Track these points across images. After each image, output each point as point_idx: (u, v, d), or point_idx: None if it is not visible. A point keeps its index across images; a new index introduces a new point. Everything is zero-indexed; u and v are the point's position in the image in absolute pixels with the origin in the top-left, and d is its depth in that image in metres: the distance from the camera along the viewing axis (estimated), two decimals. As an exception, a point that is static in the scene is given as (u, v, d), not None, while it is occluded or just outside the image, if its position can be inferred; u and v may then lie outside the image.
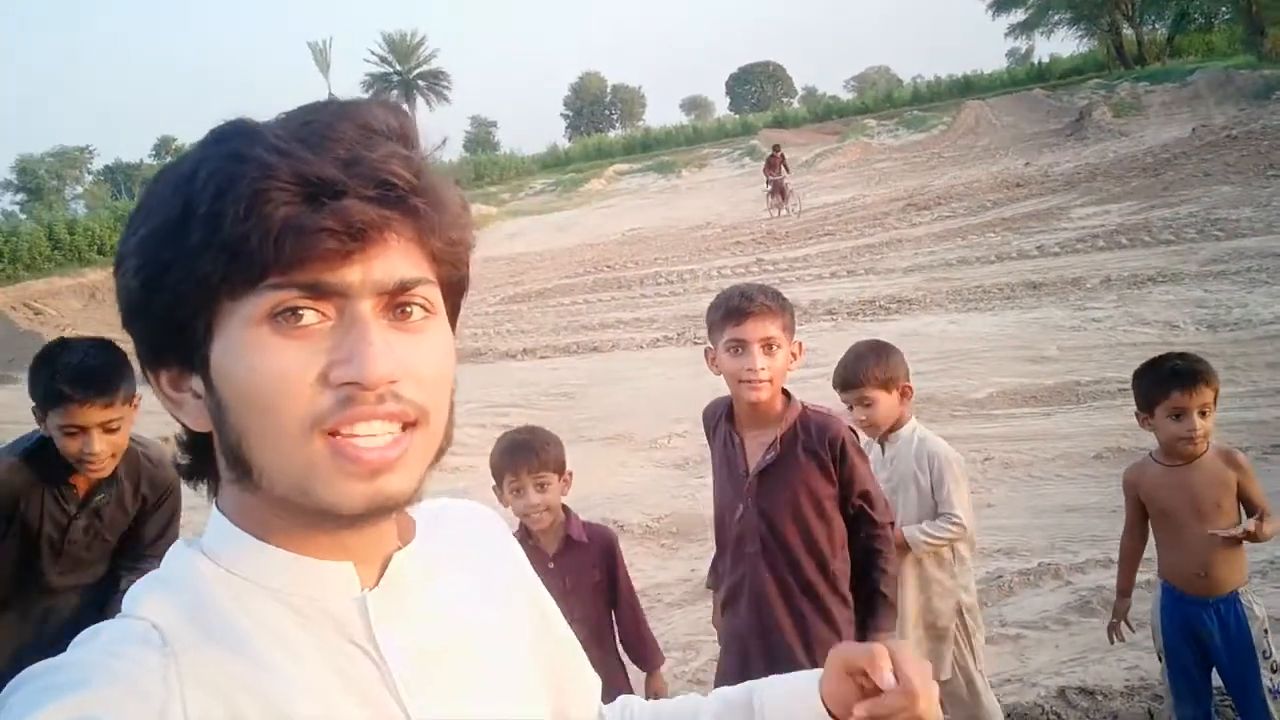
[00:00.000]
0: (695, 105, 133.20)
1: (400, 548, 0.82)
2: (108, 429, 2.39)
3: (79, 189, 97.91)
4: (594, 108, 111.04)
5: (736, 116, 77.82)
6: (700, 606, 4.63)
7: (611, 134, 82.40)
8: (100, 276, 29.62)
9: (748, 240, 19.15)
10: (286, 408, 0.69)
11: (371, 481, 0.70)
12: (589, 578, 2.78)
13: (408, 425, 0.72)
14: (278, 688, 0.70)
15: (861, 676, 0.91)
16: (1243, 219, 12.44)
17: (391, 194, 0.69)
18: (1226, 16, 44.95)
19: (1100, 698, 3.51)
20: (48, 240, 32.31)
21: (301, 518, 0.73)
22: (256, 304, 0.68)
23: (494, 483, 2.80)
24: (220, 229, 0.66)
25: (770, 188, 24.03)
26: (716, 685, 2.72)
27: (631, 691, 2.71)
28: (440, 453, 0.77)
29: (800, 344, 2.62)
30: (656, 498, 6.45)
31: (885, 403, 3.09)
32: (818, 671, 0.98)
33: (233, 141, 0.69)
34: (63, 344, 2.49)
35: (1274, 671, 2.86)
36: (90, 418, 2.38)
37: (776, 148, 26.22)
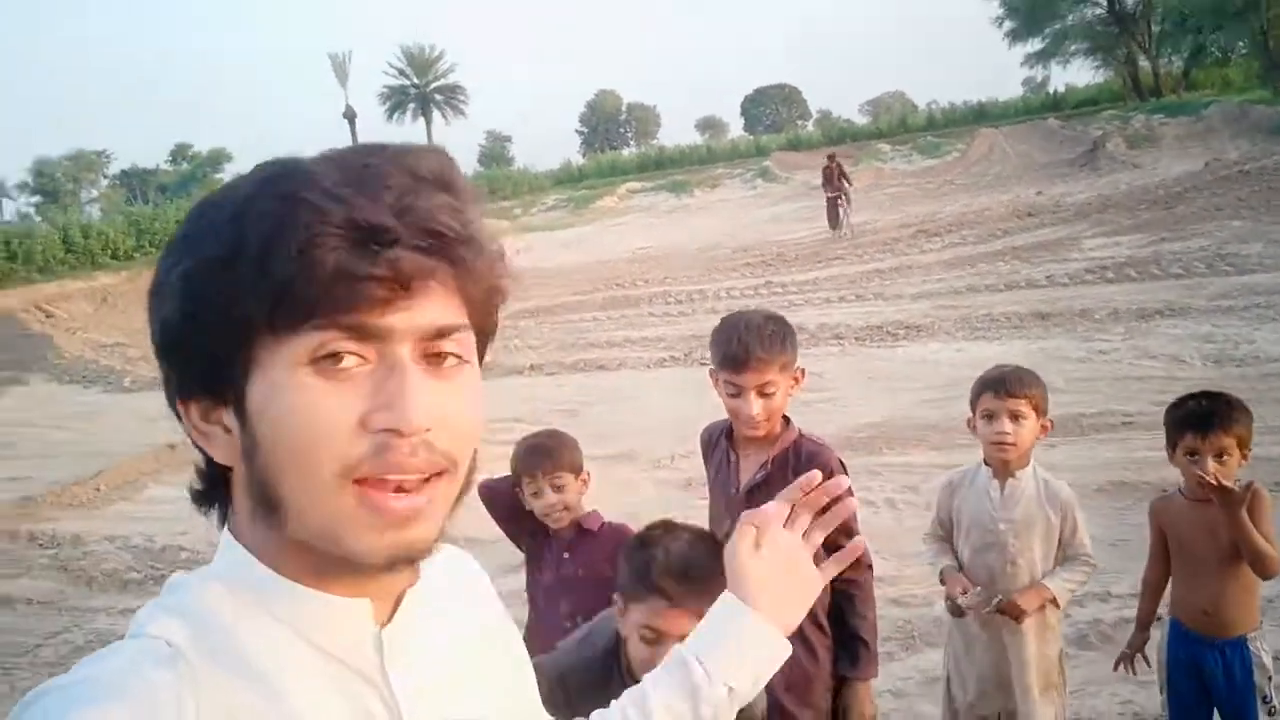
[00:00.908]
0: (709, 125, 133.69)
1: (410, 585, 0.82)
2: None
3: (94, 193, 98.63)
4: (609, 125, 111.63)
5: (750, 138, 78.11)
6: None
7: (625, 152, 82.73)
8: (112, 280, 29.78)
9: (757, 262, 19.19)
10: (322, 451, 0.69)
11: (397, 533, 0.71)
12: (601, 570, 2.78)
13: (434, 475, 0.72)
14: (288, 715, 0.71)
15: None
16: (1253, 254, 12.44)
17: (439, 243, 0.70)
18: (1243, 51, 45.01)
19: (1095, 731, 3.53)
20: (61, 243, 32.49)
21: (324, 559, 0.73)
22: (299, 345, 0.69)
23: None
24: (271, 270, 0.67)
25: (830, 202, 22.60)
26: None
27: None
28: (461, 497, 0.78)
29: (802, 370, 2.66)
30: (660, 517, 6.47)
31: (1031, 428, 2.95)
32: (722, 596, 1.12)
33: (286, 183, 0.70)
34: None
35: (1270, 715, 2.88)
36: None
37: (832, 157, 24.38)
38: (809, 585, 1.14)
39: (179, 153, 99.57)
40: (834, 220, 22.24)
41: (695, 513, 6.30)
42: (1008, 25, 53.24)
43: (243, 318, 0.69)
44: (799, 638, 2.51)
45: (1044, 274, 13.41)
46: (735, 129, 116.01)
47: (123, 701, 0.65)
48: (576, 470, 2.87)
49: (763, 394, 2.53)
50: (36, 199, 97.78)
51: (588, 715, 1.21)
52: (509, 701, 0.91)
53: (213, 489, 0.80)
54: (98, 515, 8.57)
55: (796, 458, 2.60)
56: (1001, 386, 2.93)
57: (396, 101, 75.99)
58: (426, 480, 0.72)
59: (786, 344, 2.59)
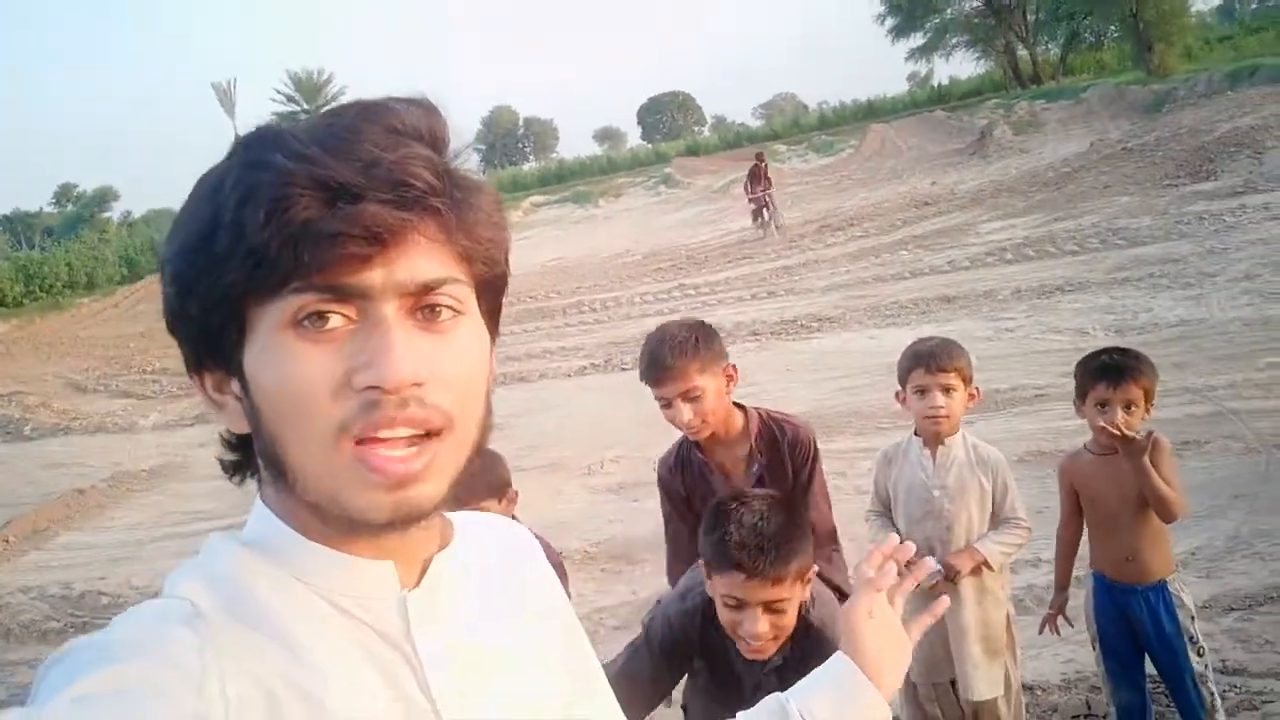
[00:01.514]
0: (608, 136, 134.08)
1: (440, 550, 0.82)
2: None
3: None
4: (507, 141, 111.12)
5: (649, 146, 78.45)
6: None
7: (526, 166, 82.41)
8: (3, 329, 28.64)
9: (668, 266, 19.28)
10: (312, 414, 0.69)
11: (396, 492, 0.70)
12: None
13: (432, 433, 0.71)
14: (313, 678, 0.70)
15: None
16: (1143, 227, 12.94)
17: (410, 195, 0.69)
18: (1116, 35, 46.71)
19: (1039, 692, 3.62)
20: (-56, 294, 31.15)
21: (337, 521, 0.73)
22: (281, 309, 0.69)
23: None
24: (244, 236, 0.67)
25: (755, 205, 21.97)
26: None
27: None
28: (474, 453, 0.77)
29: (733, 366, 2.68)
30: (594, 523, 6.47)
31: (961, 399, 3.03)
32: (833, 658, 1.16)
33: (256, 149, 0.70)
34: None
35: (1200, 656, 2.99)
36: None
37: (760, 156, 23.61)
38: (905, 650, 1.19)
39: (63, 193, 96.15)
40: (760, 220, 21.63)
41: (629, 514, 6.35)
42: (889, 22, 54.31)
43: (227, 287, 0.69)
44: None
45: (945, 260, 13.74)
46: (633, 138, 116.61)
47: (139, 660, 0.65)
48: (498, 493, 2.74)
49: (689, 399, 2.56)
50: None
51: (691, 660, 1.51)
52: (548, 675, 0.88)
53: (243, 458, 0.80)
54: (9, 567, 8.20)
55: (780, 436, 2.68)
56: (932, 361, 3.00)
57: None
58: (425, 437, 0.71)
59: (701, 347, 2.60)
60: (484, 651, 0.81)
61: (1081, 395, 3.06)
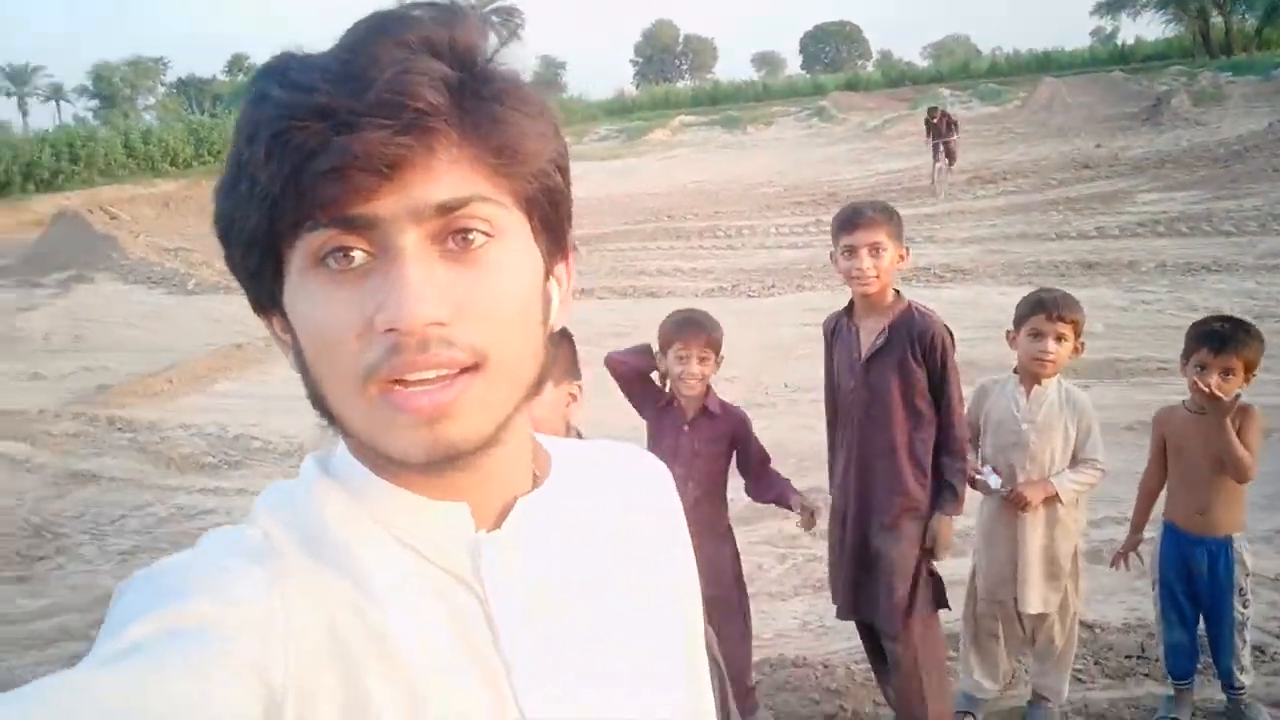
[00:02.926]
0: (766, 61, 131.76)
1: (528, 491, 0.78)
2: None
3: (152, 100, 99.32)
4: (664, 56, 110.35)
5: (808, 76, 77.02)
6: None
7: (680, 85, 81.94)
8: (172, 187, 30.40)
9: (808, 201, 19.27)
10: (341, 358, 0.66)
11: (430, 429, 0.66)
12: (716, 446, 3.26)
13: (465, 370, 0.67)
14: (380, 615, 0.69)
15: None
16: (1306, 216, 12.43)
17: (409, 118, 0.64)
18: (1322, 10, 43.69)
19: (1099, 631, 3.85)
20: (123, 148, 33.08)
21: (386, 462, 0.70)
22: (305, 248, 0.66)
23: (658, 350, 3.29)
24: (257, 176, 0.64)
25: (935, 153, 20.05)
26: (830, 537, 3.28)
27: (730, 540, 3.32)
28: (529, 389, 0.73)
29: (908, 249, 3.13)
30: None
31: (1070, 348, 3.25)
32: None
33: (261, 81, 0.67)
34: None
35: (1245, 609, 3.20)
36: None
37: (933, 110, 21.84)
38: None
39: (235, 64, 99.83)
40: (936, 169, 19.74)
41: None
42: (1080, -28, 51.82)
43: (253, 230, 0.66)
44: (898, 471, 2.92)
45: (1094, 226, 13.45)
46: (793, 66, 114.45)
47: (204, 594, 0.64)
48: (718, 349, 3.25)
49: (874, 253, 2.97)
50: (94, 104, 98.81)
51: None
52: (650, 628, 0.84)
53: None
54: (171, 406, 9.06)
55: (909, 324, 3.03)
56: (1053, 309, 3.22)
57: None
58: (458, 375, 0.66)
59: (894, 218, 3.08)
60: (570, 604, 0.78)
61: (1186, 356, 3.23)
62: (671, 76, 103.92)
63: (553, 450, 0.85)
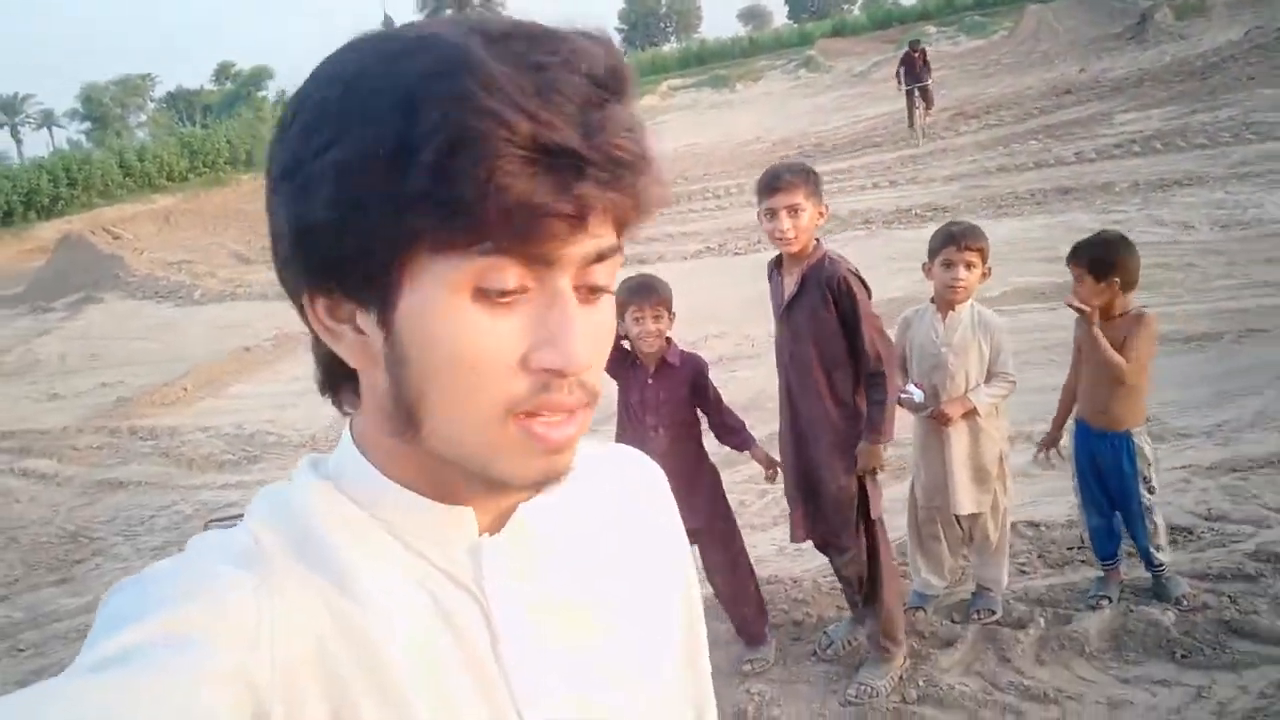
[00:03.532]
0: (753, 16, 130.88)
1: (529, 497, 0.77)
2: None
3: (143, 116, 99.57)
4: (649, 20, 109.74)
5: (795, 26, 76.56)
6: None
7: (666, 47, 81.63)
8: (170, 202, 30.73)
9: (795, 153, 19.44)
10: (483, 388, 0.66)
11: (549, 459, 0.69)
12: (679, 393, 3.63)
13: (580, 408, 0.69)
14: (369, 619, 0.69)
15: None
16: (1278, 122, 12.59)
17: (623, 173, 0.63)
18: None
19: (1043, 528, 4.20)
20: (119, 167, 33.41)
21: (448, 473, 0.71)
22: (464, 267, 0.63)
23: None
24: (446, 183, 0.60)
25: (909, 98, 19.00)
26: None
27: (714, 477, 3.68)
28: None
29: (826, 207, 3.40)
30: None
31: (978, 274, 3.58)
32: None
33: (460, 79, 0.61)
34: None
35: (1151, 494, 3.54)
36: None
37: (915, 44, 20.64)
38: None
39: (222, 72, 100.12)
40: (913, 118, 18.84)
41: (724, 383, 7.00)
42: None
43: (408, 227, 0.62)
44: (823, 407, 3.23)
45: (1073, 151, 13.66)
46: (780, 17, 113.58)
47: (190, 604, 0.63)
48: (669, 306, 3.60)
49: (792, 214, 3.26)
50: (86, 125, 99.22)
51: None
52: (650, 631, 0.86)
53: (336, 381, 0.76)
54: (188, 411, 9.47)
55: (819, 271, 3.33)
56: (961, 239, 3.54)
57: (435, 6, 75.49)
58: (573, 413, 0.68)
59: (810, 178, 3.35)
60: (570, 609, 0.79)
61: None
62: (658, 40, 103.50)
63: None
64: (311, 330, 0.71)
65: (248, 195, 27.86)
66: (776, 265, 3.52)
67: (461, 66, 0.61)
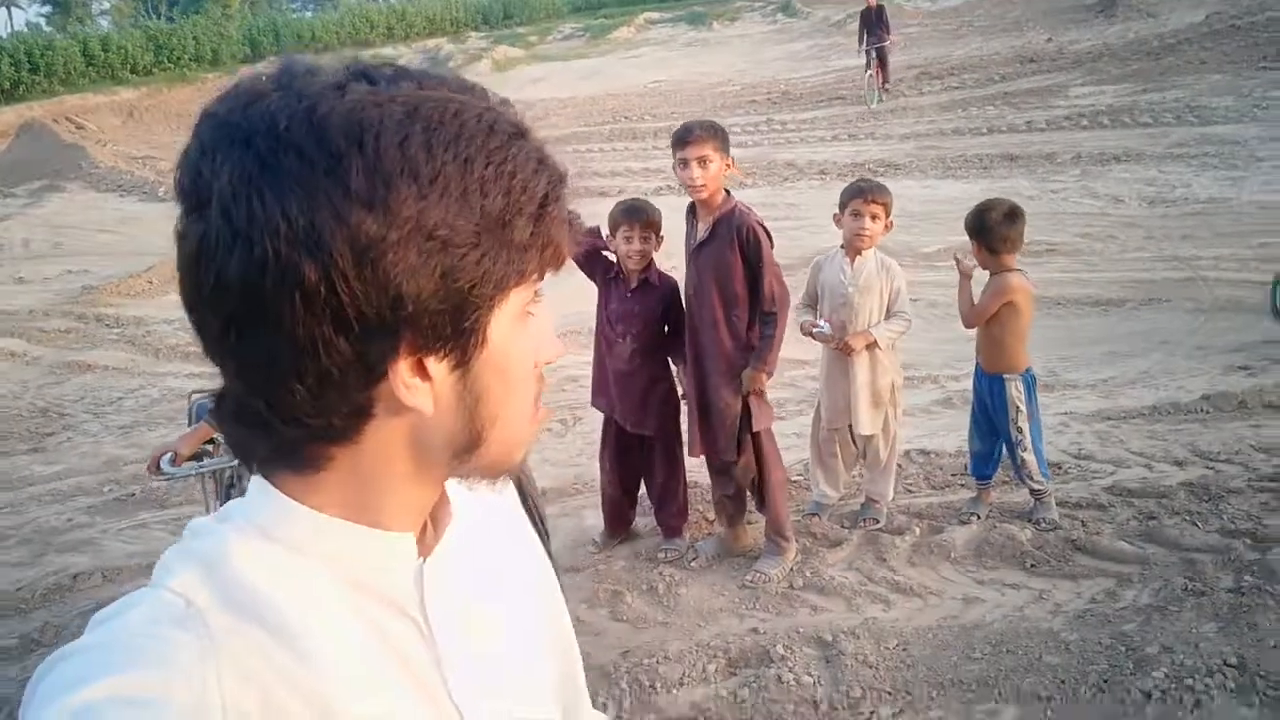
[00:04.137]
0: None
1: (449, 520, 0.83)
2: None
3: (105, 4, 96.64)
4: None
5: (776, -31, 75.79)
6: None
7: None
8: (134, 95, 30.27)
9: (763, 100, 19.75)
10: (529, 391, 0.77)
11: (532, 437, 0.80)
12: (654, 309, 4.10)
13: None
14: (317, 673, 0.69)
15: None
16: (1220, 107, 13.15)
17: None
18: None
19: (934, 456, 4.76)
20: (82, 56, 32.77)
21: (382, 502, 0.74)
22: (522, 297, 0.72)
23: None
24: (546, 231, 0.71)
25: (867, 59, 18.06)
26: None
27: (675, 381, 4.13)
28: None
29: (734, 161, 3.82)
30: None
31: (882, 225, 4.07)
32: None
33: (528, 144, 0.71)
34: None
35: (1019, 432, 4.08)
36: None
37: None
38: None
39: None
40: (869, 79, 17.75)
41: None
42: None
43: (496, 284, 0.69)
44: (720, 340, 3.70)
45: (1025, 120, 14.12)
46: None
47: (137, 670, 0.63)
48: (658, 230, 4.04)
49: (701, 165, 3.70)
50: (46, 9, 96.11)
51: None
52: (540, 644, 0.92)
53: (256, 434, 0.72)
54: (153, 303, 9.76)
55: (729, 220, 3.78)
56: (868, 193, 4.03)
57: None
58: None
59: (718, 134, 3.77)
60: (486, 621, 0.84)
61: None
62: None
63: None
64: (397, 394, 0.69)
65: (213, 94, 27.04)
66: (691, 211, 3.95)
67: (520, 132, 0.71)
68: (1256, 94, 13.69)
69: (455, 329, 0.69)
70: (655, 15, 45.72)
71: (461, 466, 0.75)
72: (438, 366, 0.70)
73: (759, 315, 3.82)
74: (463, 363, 0.70)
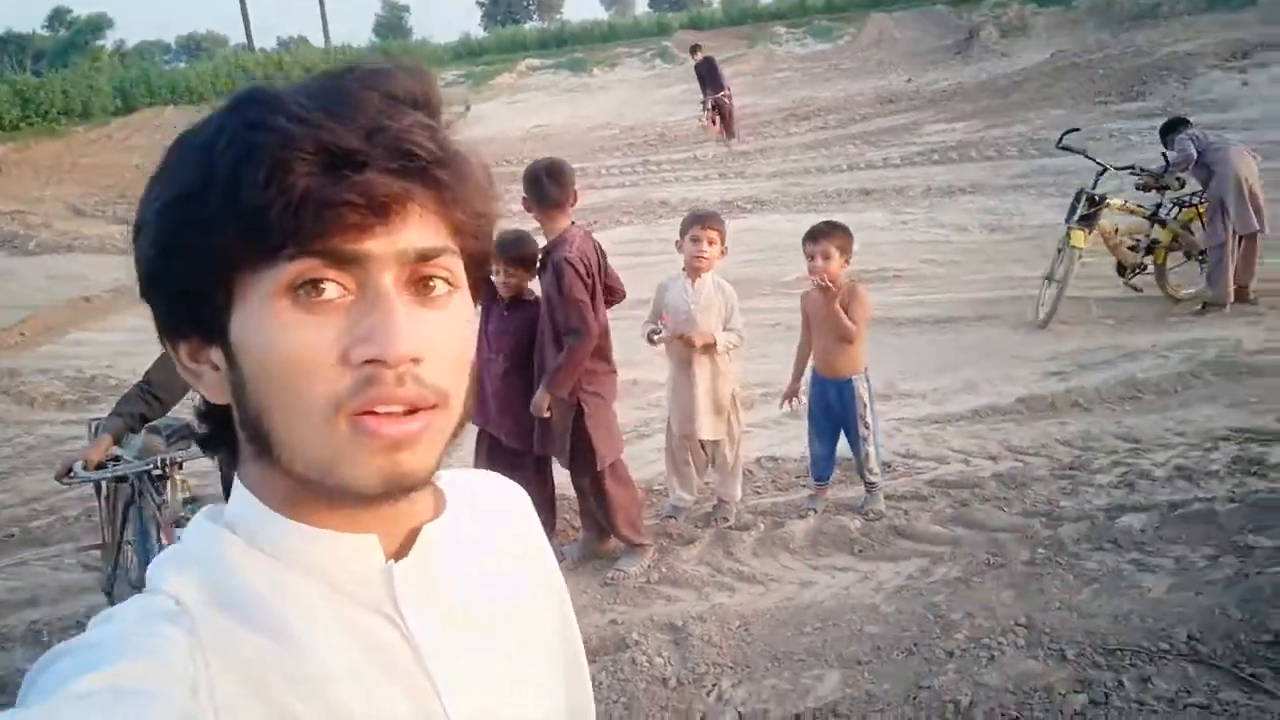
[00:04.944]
0: (616, 0, 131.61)
1: (431, 520, 0.81)
2: None
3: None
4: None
5: (654, 15, 77.63)
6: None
7: (528, 26, 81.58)
8: (1, 150, 29.56)
9: (640, 142, 20.40)
10: (308, 388, 0.68)
11: (389, 456, 0.69)
12: (525, 329, 4.33)
13: (423, 409, 0.70)
14: (305, 663, 0.71)
15: None
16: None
17: (414, 165, 0.68)
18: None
19: (780, 461, 5.22)
20: (-54, 111, 31.77)
21: (322, 494, 0.71)
22: (275, 277, 0.67)
23: None
24: (239, 198, 0.65)
25: (706, 107, 19.20)
26: None
27: None
28: (460, 428, 0.76)
29: (577, 194, 4.23)
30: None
31: (718, 250, 4.50)
32: None
33: (253, 109, 0.67)
34: None
35: (866, 428, 4.55)
36: None
37: (695, 50, 20.70)
38: None
39: (56, 18, 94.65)
40: (719, 132, 18.76)
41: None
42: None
43: (219, 249, 0.67)
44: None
45: (883, 157, 15.03)
46: (642, 4, 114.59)
47: (132, 661, 0.65)
48: (528, 265, 4.29)
49: (526, 207, 4.17)
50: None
51: None
52: (540, 644, 0.90)
53: (218, 431, 0.78)
54: (27, 355, 9.68)
55: (554, 250, 4.12)
56: (704, 221, 4.49)
57: (289, -32, 73.32)
58: (415, 412, 0.69)
59: (533, 185, 4.14)
60: (478, 621, 0.82)
61: (806, 253, 4.53)
62: (520, 17, 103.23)
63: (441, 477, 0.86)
64: (185, 378, 0.75)
65: (84, 148, 27.03)
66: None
67: (255, 99, 0.69)
68: (1092, 127, 14.80)
69: (193, 308, 0.71)
70: (536, 61, 46.37)
71: (288, 470, 0.71)
72: (215, 353, 0.72)
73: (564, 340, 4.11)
74: (221, 343, 0.71)
